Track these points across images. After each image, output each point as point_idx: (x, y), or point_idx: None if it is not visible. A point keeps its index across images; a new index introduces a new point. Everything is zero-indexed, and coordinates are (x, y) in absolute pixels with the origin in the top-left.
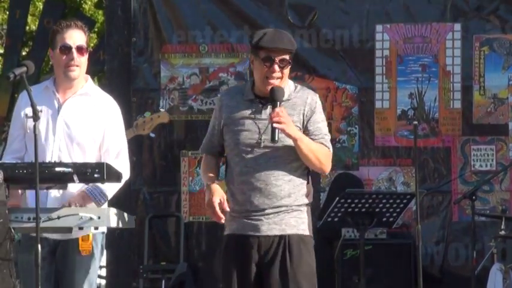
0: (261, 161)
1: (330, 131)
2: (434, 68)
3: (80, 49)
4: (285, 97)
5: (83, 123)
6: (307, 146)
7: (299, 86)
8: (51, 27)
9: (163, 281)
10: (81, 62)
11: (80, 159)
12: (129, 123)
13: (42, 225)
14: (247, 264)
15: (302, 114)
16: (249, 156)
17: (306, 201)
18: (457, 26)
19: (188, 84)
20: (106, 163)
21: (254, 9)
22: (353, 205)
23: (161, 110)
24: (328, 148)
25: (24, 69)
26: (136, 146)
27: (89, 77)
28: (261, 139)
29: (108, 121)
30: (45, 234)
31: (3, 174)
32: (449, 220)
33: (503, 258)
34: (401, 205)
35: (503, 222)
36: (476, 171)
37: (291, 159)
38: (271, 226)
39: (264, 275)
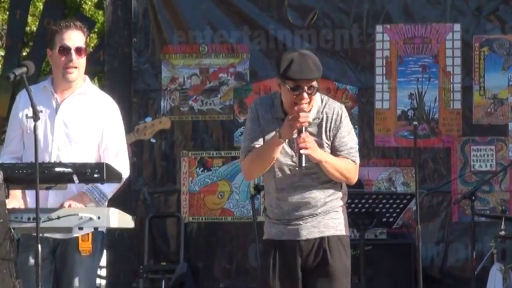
0: (295, 179)
1: None
2: (434, 68)
3: (78, 50)
4: (313, 115)
5: (82, 122)
6: (331, 165)
7: (325, 99)
8: (51, 27)
9: (163, 281)
10: (80, 63)
11: (78, 158)
12: (129, 124)
13: (42, 225)
14: (292, 270)
15: (328, 131)
16: (283, 175)
17: (341, 203)
18: (457, 27)
19: (189, 85)
20: (106, 163)
21: (254, 9)
22: (353, 205)
23: (164, 116)
24: (354, 161)
25: (24, 69)
26: (137, 146)
27: (87, 77)
28: (295, 161)
29: (107, 120)
30: (46, 234)
31: (3, 175)
32: (449, 220)
33: (503, 258)
34: (401, 205)
35: (503, 223)
36: (476, 172)
37: (324, 174)
38: (311, 230)
39: (307, 278)
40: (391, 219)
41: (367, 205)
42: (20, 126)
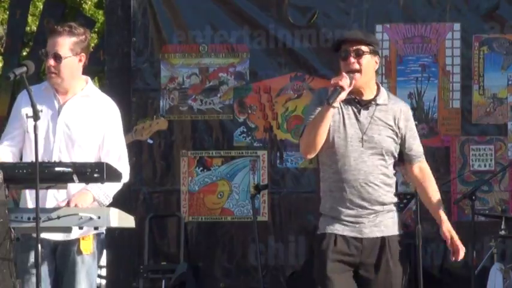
0: (360, 160)
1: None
2: (433, 68)
3: (56, 56)
4: (384, 101)
5: (84, 124)
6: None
7: (392, 95)
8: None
9: (163, 281)
10: (59, 68)
11: (80, 160)
12: (129, 124)
13: (42, 225)
14: (349, 266)
15: (396, 120)
16: (350, 154)
17: (396, 199)
18: (457, 26)
19: (188, 84)
20: (106, 163)
21: (254, 9)
22: None
23: (161, 117)
24: (426, 164)
25: (24, 69)
26: (136, 146)
27: (89, 78)
28: (362, 138)
29: (109, 124)
30: (45, 235)
31: (3, 174)
32: (449, 220)
33: (503, 258)
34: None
35: (503, 222)
36: (475, 171)
37: (387, 159)
38: (372, 228)
39: (364, 277)
40: None
41: None
42: (21, 125)
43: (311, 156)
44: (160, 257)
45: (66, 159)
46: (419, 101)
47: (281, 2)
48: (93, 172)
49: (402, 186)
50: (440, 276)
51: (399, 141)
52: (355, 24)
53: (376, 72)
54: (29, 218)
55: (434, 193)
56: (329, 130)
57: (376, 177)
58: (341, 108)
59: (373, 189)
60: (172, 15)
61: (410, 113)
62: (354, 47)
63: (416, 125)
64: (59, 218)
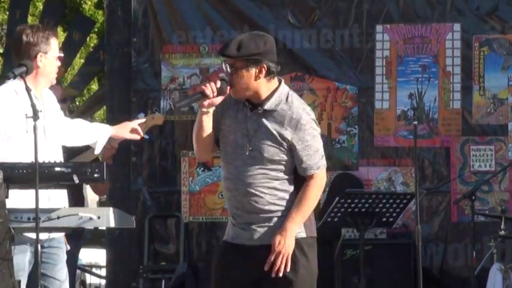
0: (243, 169)
1: (329, 132)
2: (434, 68)
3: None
4: (271, 107)
5: (54, 116)
6: (303, 217)
7: (296, 103)
8: (51, 27)
9: (163, 281)
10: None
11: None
12: None
13: (42, 225)
14: (241, 274)
15: (283, 129)
16: (233, 162)
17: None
18: (457, 26)
19: (189, 85)
20: (106, 163)
21: (254, 9)
22: (353, 205)
23: (156, 112)
24: (314, 177)
25: (23, 69)
26: (137, 146)
27: None
28: (247, 146)
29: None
30: (30, 235)
31: (3, 174)
32: (449, 220)
33: (502, 258)
34: (401, 205)
35: (502, 223)
36: (475, 172)
37: (274, 168)
38: (263, 235)
39: (261, 284)
40: (391, 219)
41: (367, 205)
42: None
43: (202, 160)
44: (160, 257)
45: (54, 155)
46: (419, 101)
47: (281, 2)
48: (93, 172)
49: (402, 186)
50: (440, 277)
51: (287, 151)
52: (355, 25)
53: (272, 74)
54: (28, 218)
55: (297, 207)
56: (223, 134)
57: (259, 187)
58: (234, 112)
59: (256, 200)
60: (172, 16)
61: (305, 122)
62: (228, 63)
63: (417, 126)
64: (58, 218)
